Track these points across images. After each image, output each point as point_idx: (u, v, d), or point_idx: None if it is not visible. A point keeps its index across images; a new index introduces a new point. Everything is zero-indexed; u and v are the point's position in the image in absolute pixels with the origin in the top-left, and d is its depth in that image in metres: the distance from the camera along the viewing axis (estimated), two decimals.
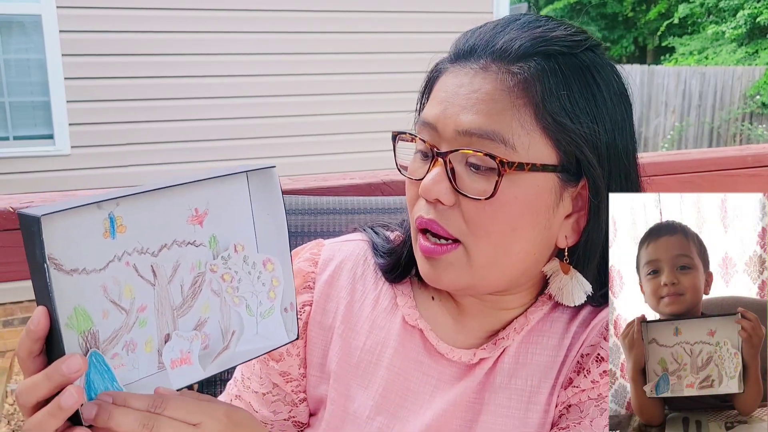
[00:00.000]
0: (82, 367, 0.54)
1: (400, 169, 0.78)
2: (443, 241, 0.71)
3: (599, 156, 0.69)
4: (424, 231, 0.73)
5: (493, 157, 0.67)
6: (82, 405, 0.56)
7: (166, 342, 0.63)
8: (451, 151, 0.69)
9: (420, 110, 0.78)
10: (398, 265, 0.83)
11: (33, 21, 4.31)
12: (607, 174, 0.70)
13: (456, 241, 0.71)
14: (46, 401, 0.55)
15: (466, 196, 0.69)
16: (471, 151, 0.68)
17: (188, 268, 0.64)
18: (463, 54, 0.72)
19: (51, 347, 0.56)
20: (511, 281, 0.74)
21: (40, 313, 0.55)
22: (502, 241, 0.70)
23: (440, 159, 0.70)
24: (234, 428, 0.61)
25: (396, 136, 0.78)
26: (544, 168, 0.68)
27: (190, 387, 0.63)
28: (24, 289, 4.12)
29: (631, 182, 0.72)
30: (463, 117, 0.68)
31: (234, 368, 0.91)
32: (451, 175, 0.69)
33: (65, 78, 4.35)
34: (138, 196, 0.59)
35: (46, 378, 0.54)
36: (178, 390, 0.62)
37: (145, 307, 0.61)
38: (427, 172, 0.70)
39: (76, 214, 0.56)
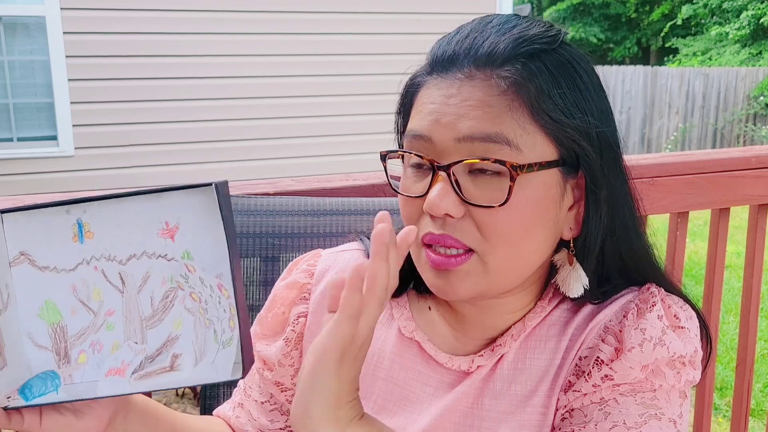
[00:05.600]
0: None
1: (394, 188, 0.74)
2: (455, 252, 0.69)
3: (593, 146, 0.69)
4: (429, 245, 0.70)
5: (502, 162, 0.65)
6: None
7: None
8: (455, 163, 0.67)
9: (401, 127, 0.76)
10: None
11: (37, 22, 4.32)
12: (601, 163, 0.70)
13: (469, 250, 0.69)
14: None
15: (477, 205, 0.67)
16: (477, 160, 0.66)
17: (159, 281, 0.63)
18: (442, 64, 0.70)
19: None
20: (524, 279, 0.74)
21: None
22: (518, 244, 0.69)
23: (442, 172, 0.67)
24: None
25: (386, 156, 0.75)
26: (548, 165, 0.68)
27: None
28: None
29: (620, 167, 0.73)
30: (461, 124, 0.66)
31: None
32: (457, 187, 0.67)
33: (69, 79, 4.37)
34: (106, 204, 0.60)
35: None
36: (100, 398, 0.63)
37: (113, 312, 0.63)
38: (429, 188, 0.68)
39: (44, 215, 0.60)
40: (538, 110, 0.66)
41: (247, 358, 0.61)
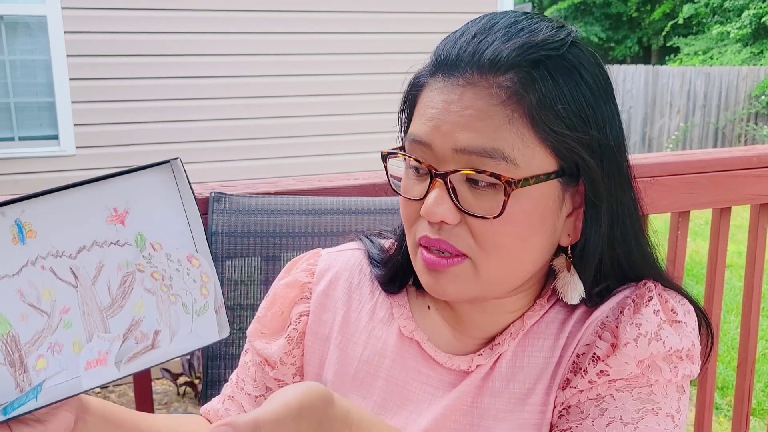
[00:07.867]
0: None
1: (394, 188, 0.75)
2: (448, 254, 0.69)
3: (595, 158, 0.68)
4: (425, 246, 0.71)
5: (497, 176, 0.65)
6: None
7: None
8: (452, 172, 0.67)
9: (404, 125, 0.76)
10: (395, 277, 0.83)
11: (38, 22, 4.32)
12: (603, 174, 0.69)
13: (463, 255, 0.69)
14: None
15: (472, 215, 0.67)
16: (473, 172, 0.66)
17: (115, 268, 0.62)
18: (446, 66, 0.68)
19: None
20: (519, 285, 0.74)
21: None
22: (513, 254, 0.69)
23: (440, 179, 0.68)
24: None
25: (386, 156, 0.75)
26: (547, 177, 0.67)
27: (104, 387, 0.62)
28: None
29: (624, 175, 0.72)
30: (460, 135, 0.66)
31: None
32: (454, 195, 0.67)
33: (70, 79, 4.37)
34: (45, 199, 0.58)
35: None
36: (87, 390, 0.61)
37: (69, 309, 0.61)
38: (426, 193, 0.69)
39: None
40: (539, 122, 0.65)
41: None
